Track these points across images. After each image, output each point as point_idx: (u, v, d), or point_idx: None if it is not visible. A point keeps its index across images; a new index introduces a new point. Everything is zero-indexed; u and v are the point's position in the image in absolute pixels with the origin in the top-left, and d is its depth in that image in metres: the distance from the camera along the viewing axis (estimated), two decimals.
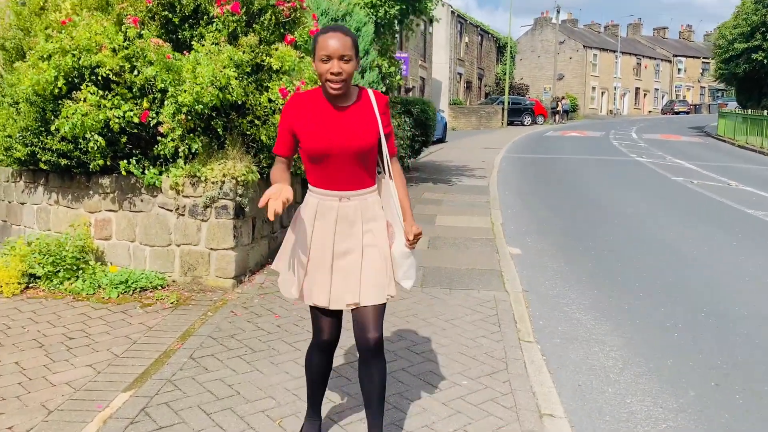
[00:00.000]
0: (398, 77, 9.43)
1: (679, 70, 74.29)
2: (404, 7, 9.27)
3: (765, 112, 22.50)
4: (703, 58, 76.05)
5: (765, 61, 26.15)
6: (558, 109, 43.51)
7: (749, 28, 27.01)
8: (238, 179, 4.94)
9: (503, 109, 37.99)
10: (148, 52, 4.72)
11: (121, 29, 4.98)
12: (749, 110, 24.74)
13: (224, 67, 4.72)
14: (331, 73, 2.30)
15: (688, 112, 62.25)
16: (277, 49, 5.20)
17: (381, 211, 2.53)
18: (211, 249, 5.01)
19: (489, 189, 11.08)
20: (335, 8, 7.37)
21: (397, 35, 9.37)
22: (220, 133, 5.12)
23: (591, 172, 14.29)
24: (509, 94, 39.85)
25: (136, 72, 4.84)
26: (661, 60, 72.38)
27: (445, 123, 25.37)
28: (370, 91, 2.56)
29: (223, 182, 4.92)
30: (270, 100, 5.16)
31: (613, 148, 21.41)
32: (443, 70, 37.15)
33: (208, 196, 4.92)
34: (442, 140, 23.05)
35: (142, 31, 5.01)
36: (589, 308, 4.95)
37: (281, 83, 5.18)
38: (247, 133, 5.24)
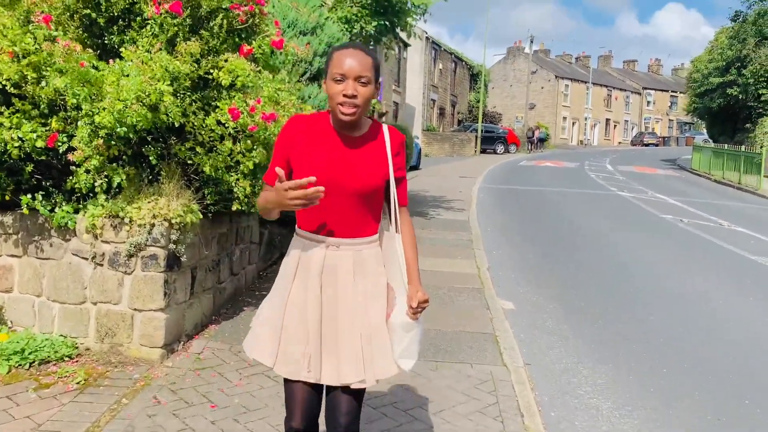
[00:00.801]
0: (375, 102, 8.55)
1: (648, 102, 75.36)
2: (382, 23, 8.41)
3: (742, 147, 22.23)
4: (672, 91, 77.44)
5: (740, 96, 26.06)
6: (534, 138, 43.42)
7: (724, 63, 26.98)
8: (173, 221, 3.90)
9: (476, 136, 37.49)
10: (56, 58, 3.68)
11: (30, 30, 3.95)
12: (725, 145, 24.50)
13: (157, 80, 3.71)
14: (344, 96, 1.96)
15: (657, 145, 62.91)
16: (227, 61, 4.22)
17: (381, 269, 2.14)
18: (135, 310, 3.95)
19: (470, 224, 10.17)
20: (304, 20, 6.45)
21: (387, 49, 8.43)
22: (154, 162, 4.10)
23: (574, 207, 13.52)
24: (482, 121, 39.43)
25: (43, 83, 3.79)
26: (631, 92, 73.34)
27: (420, 150, 24.59)
28: (385, 127, 2.19)
29: (153, 225, 3.87)
30: (219, 123, 4.17)
31: (591, 181, 20.82)
32: (417, 96, 36.58)
33: (133, 242, 3.87)
34: (416, 167, 22.22)
35: (57, 33, 3.99)
36: (606, 390, 4.00)
37: (232, 102, 4.19)
38: (189, 162, 4.23)
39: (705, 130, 71.84)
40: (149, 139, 4.15)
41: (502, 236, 9.50)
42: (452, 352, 4.38)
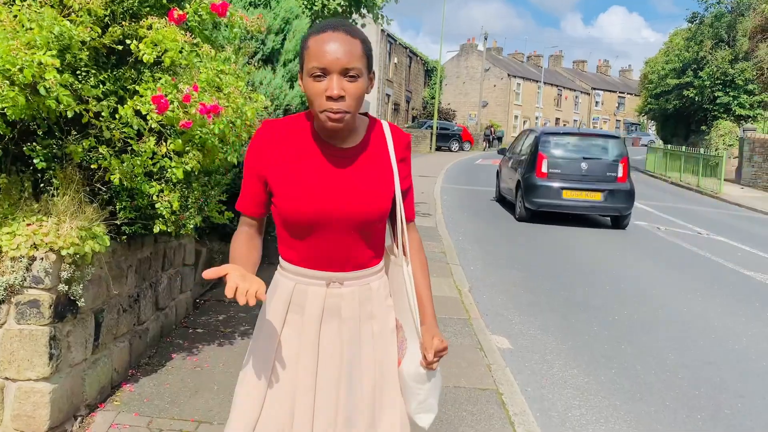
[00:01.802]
0: None
1: (597, 102, 76.38)
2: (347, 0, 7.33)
3: (701, 150, 22.03)
4: (619, 92, 78.80)
5: (696, 98, 25.98)
6: (492, 136, 43.54)
7: (681, 65, 26.87)
8: (64, 252, 2.72)
9: (432, 134, 36.68)
10: None
11: None
12: (683, 147, 24.33)
13: (37, 48, 2.52)
14: (328, 98, 1.46)
15: None
16: (150, 28, 3.05)
17: (389, 302, 1.72)
18: (7, 379, 2.76)
19: (439, 232, 9.16)
20: None
21: None
22: (41, 166, 2.90)
23: (542, 214, 12.70)
24: (437, 119, 38.67)
25: None
26: (581, 92, 74.19)
27: None
28: (386, 125, 1.70)
29: (34, 258, 2.69)
30: (139, 115, 3.00)
31: None
32: (372, 90, 35.49)
33: (3, 283, 2.68)
34: None
35: None
36: None
37: (157, 86, 3.04)
38: (93, 167, 3.05)
39: (651, 132, 73.87)
40: (40, 134, 2.96)
41: (477, 246, 8.52)
42: (450, 422, 3.34)
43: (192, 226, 3.46)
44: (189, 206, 3.43)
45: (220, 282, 5.35)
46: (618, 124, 78.06)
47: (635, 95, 80.00)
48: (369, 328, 1.67)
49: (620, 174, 10.88)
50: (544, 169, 10.67)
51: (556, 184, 10.60)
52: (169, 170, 3.17)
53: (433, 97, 43.72)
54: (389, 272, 1.76)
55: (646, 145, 65.03)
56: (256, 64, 5.14)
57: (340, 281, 1.64)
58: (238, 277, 1.44)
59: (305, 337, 1.63)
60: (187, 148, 3.19)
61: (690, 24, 27.47)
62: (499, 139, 46.24)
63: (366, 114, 1.69)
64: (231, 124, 3.31)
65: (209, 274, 1.45)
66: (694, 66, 26.26)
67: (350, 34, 1.50)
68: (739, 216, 14.71)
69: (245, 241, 1.65)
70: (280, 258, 1.68)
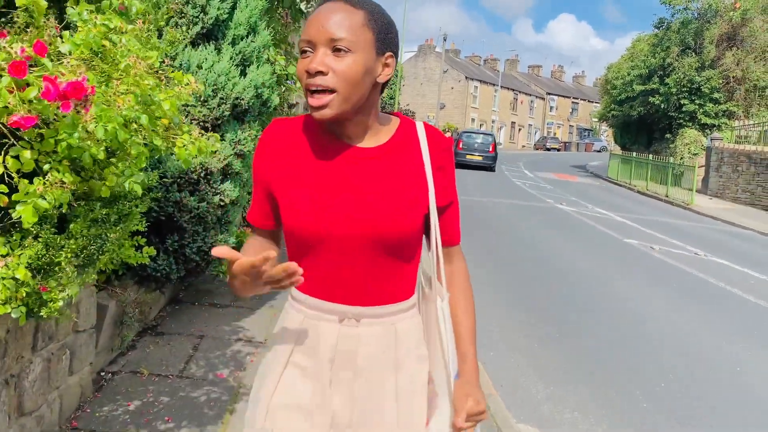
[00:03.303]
0: (299, 85, 6.08)
1: (551, 107, 76.67)
2: None
3: (671, 159, 21.40)
4: (573, 98, 79.37)
5: (662, 105, 25.43)
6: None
7: (647, 71, 26.31)
8: None
9: None
10: None
11: None
12: (650, 155, 23.73)
13: None
14: (307, 73, 1.20)
15: (559, 149, 63.95)
16: None
17: (423, 351, 1.38)
18: None
19: None
20: None
21: (302, 19, 5.91)
22: None
23: (524, 227, 11.53)
24: None
25: None
26: (536, 97, 74.33)
27: None
28: (420, 125, 1.38)
29: None
30: None
31: (519, 189, 19.16)
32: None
33: None
34: None
35: None
36: None
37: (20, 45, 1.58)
38: None
39: (603, 138, 74.64)
40: None
41: None
42: None
43: (63, 301, 2.00)
44: (56, 270, 1.97)
45: (139, 343, 3.87)
46: (571, 129, 78.63)
47: (588, 101, 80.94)
48: (392, 382, 1.32)
49: (490, 149, 25.64)
50: (460, 147, 25.39)
51: (464, 152, 25.15)
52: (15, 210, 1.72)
53: (391, 98, 42.45)
54: (424, 312, 1.40)
55: (598, 151, 66.24)
56: (190, 38, 3.67)
57: (356, 318, 1.31)
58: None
59: (310, 385, 1.30)
60: (47, 167, 1.74)
61: (657, 30, 26.96)
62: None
63: (391, 113, 1.39)
64: (135, 123, 1.88)
65: (219, 251, 1.10)
66: (660, 72, 25.73)
67: (351, 3, 1.22)
68: (723, 231, 13.88)
69: (257, 243, 1.38)
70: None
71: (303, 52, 1.23)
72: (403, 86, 56.21)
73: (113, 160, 1.93)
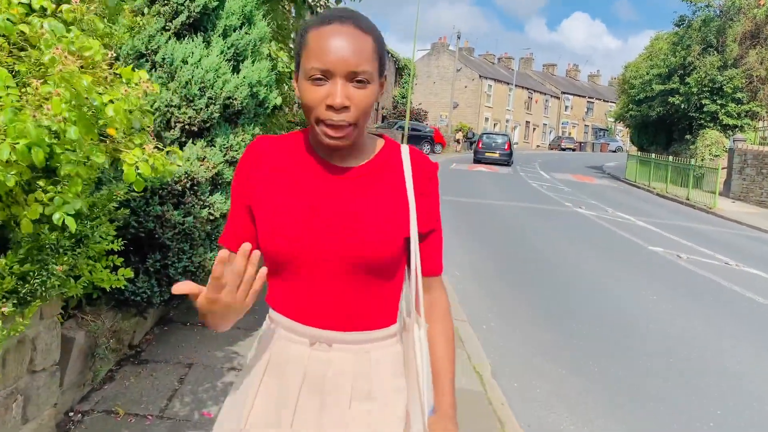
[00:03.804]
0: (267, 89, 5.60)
1: (566, 107, 75.75)
2: None
3: (692, 161, 20.72)
4: (588, 97, 78.37)
5: (682, 106, 24.71)
6: (473, 139, 43.50)
7: (667, 70, 25.59)
8: None
9: (403, 135, 34.87)
10: None
11: None
12: (669, 157, 23.03)
13: None
14: (329, 107, 1.16)
15: (574, 149, 63.17)
16: None
17: (400, 383, 1.31)
18: None
19: None
20: None
21: (306, 13, 5.48)
22: None
23: (542, 233, 11.01)
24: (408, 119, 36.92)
25: None
26: (551, 96, 73.46)
27: None
28: (405, 148, 1.34)
29: None
30: None
31: (536, 191, 18.60)
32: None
33: None
34: None
35: None
36: None
37: None
38: None
39: (618, 138, 73.61)
40: None
41: (483, 290, 6.66)
42: None
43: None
44: None
45: (118, 373, 3.44)
46: (586, 129, 77.68)
47: (604, 101, 79.92)
48: (364, 413, 1.25)
49: (506, 147, 29.22)
50: (480, 146, 29.89)
51: (483, 150, 29.38)
52: None
53: (404, 97, 42.06)
54: (405, 342, 1.33)
55: (614, 151, 65.36)
56: (174, 29, 3.22)
57: (327, 342, 1.26)
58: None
59: (279, 408, 1.26)
60: None
61: (677, 28, 26.21)
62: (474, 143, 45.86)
63: (381, 135, 1.35)
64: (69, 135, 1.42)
65: (179, 288, 1.08)
66: (680, 72, 25.00)
67: (361, 29, 1.18)
68: (750, 238, 13.27)
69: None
70: (268, 306, 1.34)
71: (315, 78, 1.16)
72: (416, 85, 55.63)
73: (41, 182, 1.48)
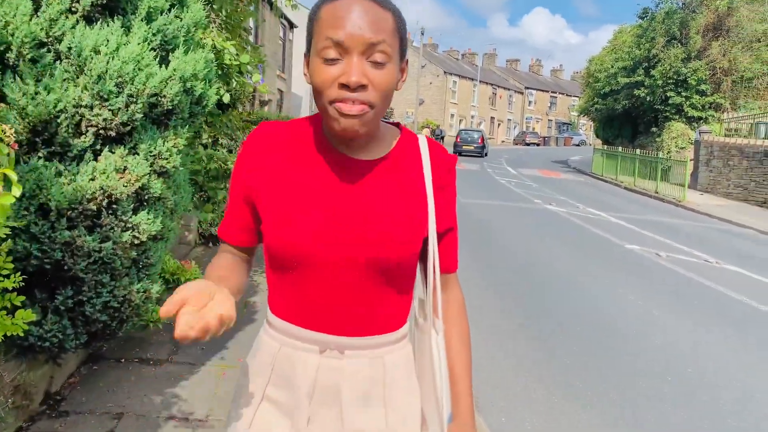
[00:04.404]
0: (256, 78, 4.98)
1: (530, 102, 76.13)
2: None
3: (659, 153, 20.64)
4: (551, 92, 78.92)
5: (648, 98, 24.67)
6: (442, 135, 45.15)
7: (632, 63, 25.53)
8: None
9: None
10: None
11: None
12: (637, 150, 22.91)
13: None
14: (342, 85, 1.03)
15: (538, 144, 63.52)
16: None
17: (413, 386, 1.25)
18: None
19: None
20: None
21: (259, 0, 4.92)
22: None
23: (514, 232, 10.59)
24: None
25: None
26: (514, 91, 73.71)
27: None
28: (422, 139, 1.25)
29: None
30: None
31: (504, 188, 18.25)
32: (304, 84, 32.81)
33: None
34: None
35: None
36: None
37: None
38: None
39: (582, 131, 74.20)
40: None
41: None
42: None
43: None
44: None
45: (31, 430, 2.81)
46: (550, 124, 78.20)
47: (567, 95, 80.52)
48: (381, 419, 1.20)
49: (479, 141, 35.51)
50: (458, 140, 36.05)
51: (461, 144, 35.51)
52: None
53: None
54: (416, 342, 1.27)
55: (577, 145, 65.81)
56: (84, 11, 2.60)
57: (339, 348, 1.18)
58: (188, 288, 0.93)
59: (287, 425, 1.18)
60: None
61: (641, 20, 26.19)
62: (442, 138, 45.99)
63: (397, 124, 1.25)
64: None
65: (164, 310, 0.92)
66: (645, 64, 24.97)
67: (380, 3, 1.06)
68: (722, 231, 13.07)
69: (223, 264, 1.22)
70: (267, 311, 1.25)
71: (328, 58, 1.04)
72: None
73: None
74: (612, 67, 26.69)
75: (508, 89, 72.74)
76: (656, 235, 11.26)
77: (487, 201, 14.65)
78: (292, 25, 29.50)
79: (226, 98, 4.54)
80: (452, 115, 62.83)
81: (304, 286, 1.16)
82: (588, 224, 11.88)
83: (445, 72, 61.62)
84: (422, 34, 48.72)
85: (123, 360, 3.76)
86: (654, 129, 25.45)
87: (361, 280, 1.16)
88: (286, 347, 1.20)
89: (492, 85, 69.39)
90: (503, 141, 69.70)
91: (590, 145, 57.55)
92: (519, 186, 19.15)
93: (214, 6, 4.98)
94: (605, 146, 29.44)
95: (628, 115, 27.62)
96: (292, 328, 1.19)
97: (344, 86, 1.03)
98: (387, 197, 1.17)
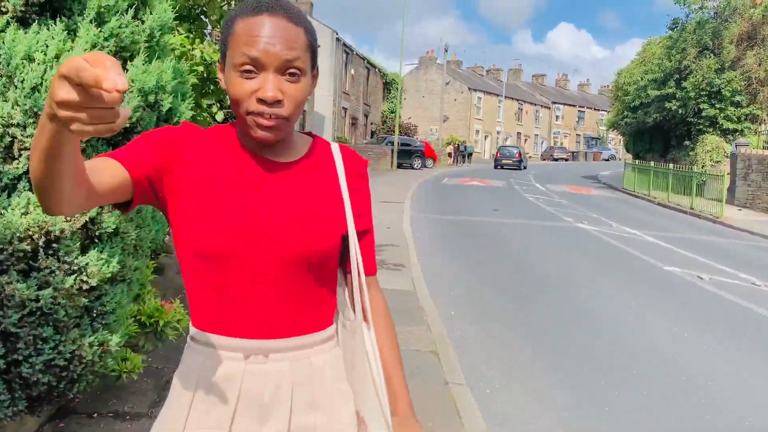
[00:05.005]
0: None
1: (557, 117, 75.19)
2: None
3: (693, 167, 19.81)
4: (579, 106, 77.86)
5: (679, 111, 23.83)
6: (470, 152, 46.02)
7: (662, 74, 24.74)
8: None
9: (393, 150, 33.90)
10: None
11: None
12: (670, 165, 22.08)
13: None
14: (260, 100, 1.10)
15: (566, 159, 62.44)
16: None
17: (344, 387, 1.26)
18: None
19: (420, 302, 6.22)
20: None
21: None
22: None
23: (544, 255, 9.98)
24: (398, 134, 35.94)
25: None
26: (541, 106, 72.90)
27: None
28: (335, 145, 1.32)
29: None
30: None
31: (532, 206, 17.60)
32: (327, 103, 32.62)
33: None
34: None
35: None
36: None
37: None
38: None
39: (611, 146, 72.94)
40: None
41: (482, 335, 5.59)
42: None
43: None
44: None
45: None
46: (578, 138, 77.08)
47: (595, 109, 79.38)
48: (310, 423, 1.18)
49: (517, 156, 39.82)
50: (498, 155, 40.54)
51: (501, 159, 39.86)
52: None
53: (392, 111, 41.22)
54: (344, 345, 1.27)
55: (607, 160, 64.60)
56: (18, 11, 2.17)
57: (264, 353, 1.17)
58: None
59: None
60: None
61: (671, 31, 25.43)
62: (470, 155, 46.05)
63: (309, 133, 1.31)
64: None
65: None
66: (676, 76, 24.17)
67: (292, 20, 1.12)
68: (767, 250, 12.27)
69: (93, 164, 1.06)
70: (190, 326, 1.23)
71: (245, 70, 1.09)
72: (405, 100, 54.78)
73: None
74: (642, 79, 25.92)
75: (535, 104, 71.96)
76: (696, 254, 10.54)
77: (515, 220, 14.03)
78: None
79: (220, 116, 4.10)
80: (477, 131, 62.24)
81: (226, 289, 1.15)
82: (623, 244, 11.20)
83: (469, 88, 61.16)
84: (446, 51, 48.35)
85: (95, 415, 3.28)
86: (687, 142, 24.55)
87: (283, 277, 1.16)
88: (210, 359, 1.17)
89: (518, 100, 68.70)
90: (530, 156, 68.72)
91: (620, 159, 56.45)
92: (548, 203, 18.48)
93: (211, 17, 4.58)
94: (636, 161, 28.59)
95: (660, 129, 26.76)
96: (215, 338, 1.17)
97: (262, 101, 1.08)
98: (304, 196, 1.20)
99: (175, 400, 1.20)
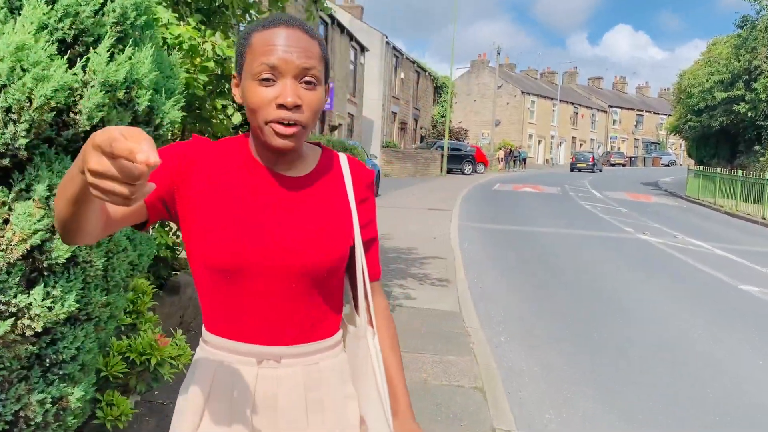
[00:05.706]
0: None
1: (614, 120, 72.93)
2: None
3: (765, 174, 18.46)
4: (637, 110, 75.34)
5: (749, 114, 22.41)
6: (523, 157, 45.88)
7: (729, 76, 23.34)
8: None
9: (443, 155, 33.24)
10: None
11: None
12: (740, 171, 20.71)
13: None
14: (279, 105, 1.13)
15: (624, 165, 60.31)
16: None
17: (349, 390, 1.31)
18: None
19: (465, 323, 5.61)
20: None
21: None
22: None
23: (605, 271, 9.20)
24: (448, 138, 35.23)
25: None
26: (597, 110, 70.83)
27: (378, 172, 20.15)
28: (343, 157, 1.36)
29: None
30: None
31: (589, 214, 16.68)
32: (376, 108, 32.21)
33: None
34: None
35: None
36: None
37: None
38: None
39: (671, 151, 70.14)
40: None
41: (531, 361, 4.95)
42: None
43: None
44: None
45: None
46: (636, 143, 74.58)
47: (654, 113, 76.61)
48: (318, 424, 1.24)
49: (590, 160, 44.01)
50: (573, 160, 45.11)
51: (577, 163, 44.34)
52: None
53: (443, 116, 40.58)
54: (348, 349, 1.34)
55: (667, 165, 62.11)
56: None
57: (276, 358, 1.21)
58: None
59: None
60: None
61: (740, 30, 23.97)
62: (524, 160, 45.75)
63: (318, 144, 1.34)
64: None
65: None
66: (745, 77, 22.75)
67: (308, 33, 1.18)
68: None
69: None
70: (203, 329, 1.26)
71: (263, 78, 1.13)
72: (456, 104, 53.96)
73: None
74: (707, 81, 24.53)
75: (591, 108, 69.96)
76: (764, 268, 9.57)
77: (571, 230, 13.22)
78: (363, 49, 29.03)
79: (237, 118, 3.63)
80: (530, 136, 60.86)
81: (240, 298, 1.19)
82: (690, 258, 10.29)
83: (522, 92, 59.87)
84: (498, 53, 47.39)
85: None
86: (757, 147, 23.06)
87: (293, 287, 1.20)
88: (223, 363, 1.21)
89: (573, 104, 66.91)
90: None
91: (681, 165, 54.21)
92: (605, 212, 17.51)
93: (235, 10, 4.12)
94: (700, 167, 27.12)
95: (726, 133, 25.28)
96: (228, 343, 1.21)
97: (281, 106, 1.11)
98: (314, 210, 1.23)
99: (187, 405, 1.22)
